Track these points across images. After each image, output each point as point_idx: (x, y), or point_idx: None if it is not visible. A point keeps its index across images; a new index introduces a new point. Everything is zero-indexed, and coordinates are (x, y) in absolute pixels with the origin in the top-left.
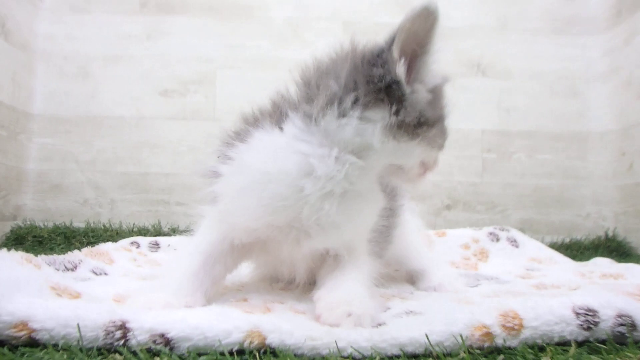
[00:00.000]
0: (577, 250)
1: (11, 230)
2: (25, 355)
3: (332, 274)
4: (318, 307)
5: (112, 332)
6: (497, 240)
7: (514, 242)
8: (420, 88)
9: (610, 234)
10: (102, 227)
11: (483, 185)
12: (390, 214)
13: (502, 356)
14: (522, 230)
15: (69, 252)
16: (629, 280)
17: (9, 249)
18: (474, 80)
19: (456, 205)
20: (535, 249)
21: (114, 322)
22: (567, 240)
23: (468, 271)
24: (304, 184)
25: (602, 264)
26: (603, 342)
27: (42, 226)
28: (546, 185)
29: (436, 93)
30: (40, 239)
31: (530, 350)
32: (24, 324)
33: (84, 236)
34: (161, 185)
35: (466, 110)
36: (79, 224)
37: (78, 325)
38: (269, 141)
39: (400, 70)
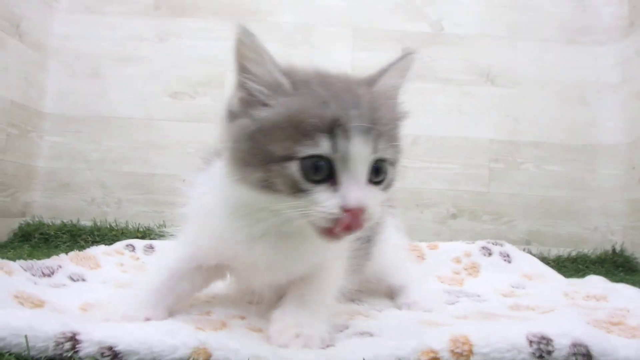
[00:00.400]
0: (583, 264)
1: (19, 227)
2: None
3: (292, 292)
4: (270, 329)
5: (62, 343)
6: (490, 254)
7: (506, 257)
8: None
9: (617, 248)
10: (108, 227)
11: (489, 195)
12: (369, 232)
13: None
14: (528, 242)
15: (54, 256)
16: (610, 304)
17: (15, 245)
18: (482, 89)
19: (462, 215)
20: (527, 265)
21: (65, 333)
22: (574, 253)
23: (452, 287)
24: (236, 224)
25: (593, 282)
26: None
27: (50, 223)
28: (554, 196)
29: None
30: (47, 237)
31: None
32: None
33: (89, 235)
34: (167, 186)
35: (474, 119)
36: (86, 222)
37: (26, 336)
38: (217, 173)
39: None
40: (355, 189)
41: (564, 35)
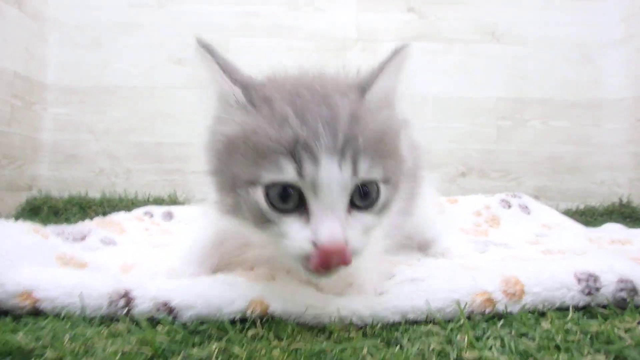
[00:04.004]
0: (591, 216)
1: (26, 201)
2: (29, 325)
3: None
4: (321, 280)
5: (116, 300)
6: (509, 206)
7: (525, 209)
8: None
9: (624, 200)
10: (118, 198)
11: (497, 153)
12: (412, 189)
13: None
14: (536, 197)
15: (80, 222)
16: (636, 246)
17: (24, 220)
18: (488, 47)
19: (470, 173)
20: (546, 215)
21: (118, 290)
22: (581, 206)
23: (478, 238)
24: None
25: (612, 229)
26: (605, 307)
27: (58, 196)
28: (560, 152)
29: None
30: (56, 210)
31: (530, 315)
32: (28, 294)
33: (99, 206)
34: (176, 154)
35: (480, 78)
36: (95, 194)
37: (81, 294)
38: None
39: None
40: (328, 222)
41: None
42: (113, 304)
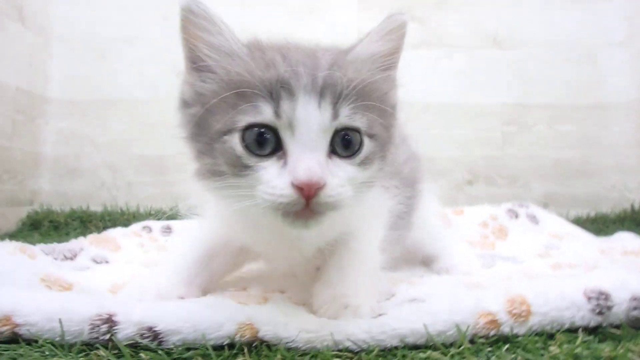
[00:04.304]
0: (603, 224)
1: (27, 216)
2: (5, 353)
3: (330, 264)
4: (314, 302)
5: (98, 325)
6: (516, 217)
7: (533, 219)
8: None
9: (636, 206)
10: (119, 211)
11: (504, 159)
12: (409, 202)
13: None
14: (546, 204)
15: (73, 240)
16: None
17: (24, 234)
18: (490, 53)
19: (477, 180)
20: (555, 225)
21: (100, 315)
22: (592, 214)
23: (484, 251)
24: (232, 218)
25: (624, 238)
26: (618, 326)
27: (59, 211)
28: (568, 156)
29: None
30: (57, 224)
31: (537, 338)
32: (7, 318)
33: (100, 220)
34: (178, 166)
35: (483, 83)
36: (96, 207)
37: (60, 320)
38: None
39: None
40: (306, 159)
41: None
42: (95, 330)
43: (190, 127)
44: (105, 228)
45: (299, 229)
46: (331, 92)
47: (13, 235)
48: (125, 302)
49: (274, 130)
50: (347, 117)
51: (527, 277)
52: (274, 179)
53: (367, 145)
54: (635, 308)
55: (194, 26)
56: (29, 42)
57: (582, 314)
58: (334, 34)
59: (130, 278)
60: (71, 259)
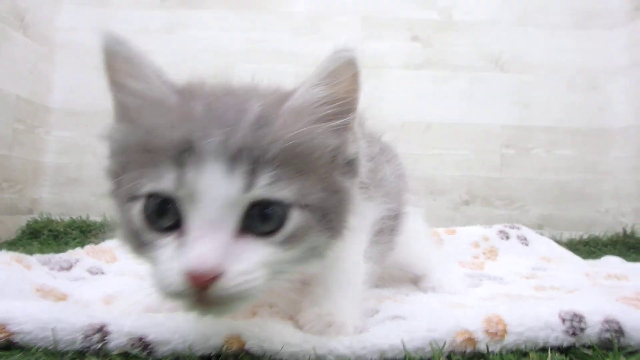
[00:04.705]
0: (595, 246)
1: (27, 224)
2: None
3: (316, 283)
4: (300, 319)
5: (90, 335)
6: (507, 238)
7: (524, 241)
8: None
9: (628, 230)
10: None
11: (502, 181)
12: (392, 221)
13: None
14: (541, 226)
15: (70, 250)
16: (632, 282)
17: (24, 243)
18: (493, 75)
19: (474, 201)
20: (545, 248)
21: (93, 325)
22: (585, 236)
23: (474, 271)
24: None
25: (611, 263)
26: (590, 347)
27: (59, 220)
28: (565, 180)
29: None
30: (56, 233)
31: (511, 356)
32: (2, 327)
33: (99, 230)
34: None
35: (485, 105)
36: (95, 217)
37: (54, 328)
38: None
39: None
40: (201, 242)
41: (573, 20)
42: (87, 339)
43: (109, 183)
44: (104, 238)
45: (204, 316)
46: (247, 156)
47: (12, 244)
48: (117, 313)
49: (175, 201)
50: (266, 186)
51: (509, 297)
52: (166, 263)
53: (295, 219)
54: (607, 330)
55: (115, 70)
56: (32, 50)
57: (555, 334)
58: None
59: (124, 290)
60: (67, 269)
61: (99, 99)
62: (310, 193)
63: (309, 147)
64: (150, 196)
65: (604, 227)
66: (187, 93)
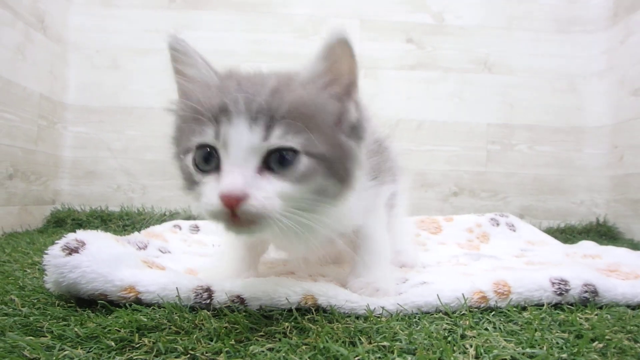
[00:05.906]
0: (571, 234)
1: (51, 214)
2: (139, 313)
3: (356, 261)
4: (352, 285)
5: (201, 293)
6: (497, 225)
7: (511, 227)
8: None
9: (601, 220)
10: (136, 211)
11: (487, 175)
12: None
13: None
14: (521, 215)
15: (135, 233)
16: (604, 260)
17: (50, 231)
18: (480, 77)
19: (462, 193)
20: (530, 233)
21: (202, 286)
22: (562, 225)
23: (471, 251)
24: None
25: (586, 246)
26: (572, 304)
27: (80, 210)
28: (545, 174)
29: None
30: (80, 222)
31: (515, 309)
32: (132, 288)
33: (119, 219)
34: None
35: (473, 105)
36: (114, 208)
37: (177, 289)
38: None
39: None
40: (231, 174)
41: (556, 26)
42: (199, 296)
43: (173, 148)
44: (125, 226)
45: (239, 234)
46: (265, 115)
47: (41, 231)
48: (215, 278)
49: (215, 149)
50: (279, 138)
51: (506, 269)
52: (208, 192)
53: (305, 163)
54: (585, 292)
55: (176, 60)
56: (50, 50)
57: (547, 294)
58: None
59: (199, 266)
60: (144, 248)
61: (110, 97)
62: (316, 145)
63: (312, 109)
64: (199, 147)
65: (579, 217)
66: (226, 75)
